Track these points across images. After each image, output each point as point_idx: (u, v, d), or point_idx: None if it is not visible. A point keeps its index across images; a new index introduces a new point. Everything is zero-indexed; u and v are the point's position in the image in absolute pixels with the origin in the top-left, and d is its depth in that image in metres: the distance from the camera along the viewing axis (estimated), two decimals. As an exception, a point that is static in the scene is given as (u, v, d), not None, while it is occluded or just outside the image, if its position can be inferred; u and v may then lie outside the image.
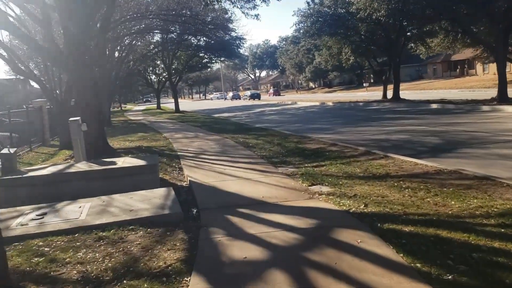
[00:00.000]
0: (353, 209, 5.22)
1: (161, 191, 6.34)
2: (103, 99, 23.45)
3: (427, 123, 14.35)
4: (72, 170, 7.26)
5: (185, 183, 7.75)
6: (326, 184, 6.74)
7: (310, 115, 23.16)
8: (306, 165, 8.41)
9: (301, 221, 4.83)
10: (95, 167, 7.31)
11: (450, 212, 4.85)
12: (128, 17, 17.80)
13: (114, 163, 7.63)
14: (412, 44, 28.22)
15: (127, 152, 10.91)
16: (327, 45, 29.32)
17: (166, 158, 10.04)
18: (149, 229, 4.87)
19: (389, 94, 29.66)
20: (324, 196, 5.99)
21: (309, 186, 6.75)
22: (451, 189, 5.79)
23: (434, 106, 20.62)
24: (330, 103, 31.02)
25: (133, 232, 4.82)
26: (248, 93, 69.36)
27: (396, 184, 6.31)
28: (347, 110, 24.59)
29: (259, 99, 62.33)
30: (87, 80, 10.00)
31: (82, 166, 7.53)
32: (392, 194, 5.76)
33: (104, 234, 4.77)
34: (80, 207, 5.78)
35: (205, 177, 7.78)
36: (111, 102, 26.43)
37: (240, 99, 71.10)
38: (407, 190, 5.91)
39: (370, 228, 4.48)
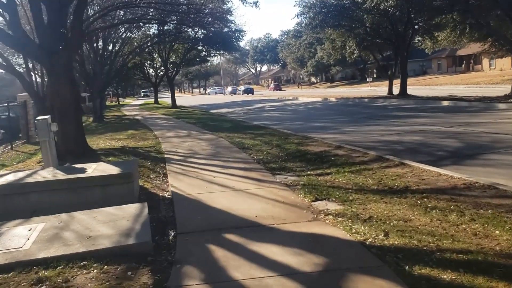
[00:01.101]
0: (370, 239, 4.10)
1: (132, 208, 5.22)
2: (94, 93, 22.35)
3: (441, 122, 13.18)
4: (32, 179, 6.13)
5: (167, 193, 6.63)
6: (333, 199, 5.63)
7: (312, 112, 21.98)
8: (309, 172, 7.28)
9: (303, 259, 3.71)
10: (60, 175, 6.18)
11: (497, 248, 3.72)
12: (119, 4, 16.58)
13: (84, 170, 6.50)
14: (419, 38, 26.94)
15: (108, 154, 9.79)
16: (330, 38, 28.05)
17: (150, 161, 8.91)
18: (106, 267, 3.77)
19: (395, 90, 28.47)
20: (331, 217, 4.87)
21: (313, 201, 5.63)
22: (489, 211, 4.66)
23: (445, 103, 19.41)
24: (333, 99, 29.80)
25: (85, 271, 3.71)
26: (242, 88, 71.30)
27: (419, 202, 5.18)
28: (351, 106, 23.38)
29: (252, 94, 63.86)
30: (62, 72, 8.84)
31: (46, 174, 6.40)
32: (416, 218, 4.63)
33: (46, 273, 3.67)
34: (30, 229, 4.68)
35: (191, 187, 6.67)
36: (104, 96, 25.22)
37: (235, 93, 70.73)
38: (434, 211, 4.78)
39: (395, 273, 3.35)
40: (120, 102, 59.55)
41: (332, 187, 6.19)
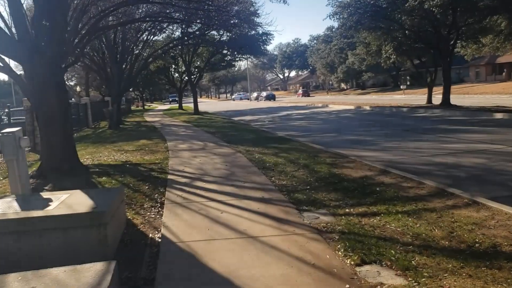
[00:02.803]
0: None
1: (90, 274, 3.53)
2: (112, 97, 21.15)
3: (502, 139, 11.00)
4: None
5: (158, 235, 4.95)
6: (388, 262, 3.81)
7: (344, 122, 19.95)
8: (348, 210, 5.46)
9: None
10: (11, 214, 4.58)
11: None
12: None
13: (48, 203, 4.89)
14: (463, 42, 24.52)
15: (101, 172, 8.21)
16: (365, 41, 25.96)
17: (149, 185, 7.27)
18: None
19: (435, 99, 26.09)
20: (391, 306, 3.04)
21: (358, 264, 3.85)
22: None
23: (498, 115, 17.00)
24: (367, 107, 27.58)
25: None
26: (264, 94, 72.12)
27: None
28: (389, 116, 21.19)
29: (274, 100, 64.33)
30: (47, 75, 7.34)
31: (-1, 207, 4.82)
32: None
33: None
34: None
35: (188, 228, 4.98)
36: (121, 101, 24.01)
37: (257, 100, 70.30)
38: None
39: None
40: (146, 107, 59.00)
41: (383, 240, 4.35)
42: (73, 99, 27.00)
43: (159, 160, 9.81)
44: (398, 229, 4.67)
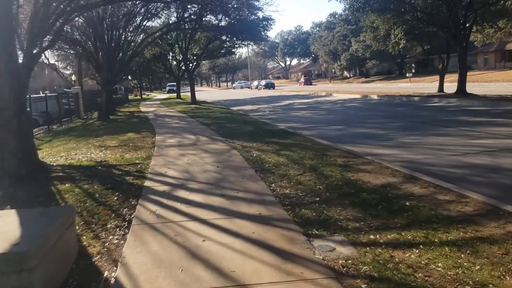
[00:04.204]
0: None
1: None
2: (101, 86, 19.70)
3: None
4: None
5: (114, 275, 3.58)
6: None
7: (352, 113, 18.42)
8: (372, 236, 4.10)
9: None
10: None
11: None
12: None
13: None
14: (479, 26, 22.84)
15: (65, 178, 6.80)
16: (373, 25, 24.30)
17: (119, 194, 5.87)
18: None
19: (446, 87, 24.55)
20: None
21: None
22: None
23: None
24: (375, 96, 26.01)
25: None
26: (263, 82, 71.28)
27: None
28: (399, 106, 19.62)
29: (273, 88, 63.15)
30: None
31: None
32: None
33: None
34: None
35: (155, 267, 3.61)
36: (110, 90, 22.49)
37: (253, 88, 69.39)
38: None
39: None
40: (145, 96, 57.48)
41: (433, 294, 2.95)
42: (71, 89, 25.57)
43: (140, 159, 8.40)
44: (449, 272, 3.28)
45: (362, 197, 5.30)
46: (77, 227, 4.77)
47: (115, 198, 5.72)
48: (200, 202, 5.36)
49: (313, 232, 4.28)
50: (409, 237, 4.04)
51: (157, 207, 5.23)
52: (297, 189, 5.79)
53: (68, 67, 50.30)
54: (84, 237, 4.51)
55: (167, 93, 63.81)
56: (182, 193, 5.80)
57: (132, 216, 5.02)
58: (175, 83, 64.57)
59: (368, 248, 3.83)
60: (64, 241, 3.84)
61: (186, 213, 4.97)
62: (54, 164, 8.45)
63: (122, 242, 4.33)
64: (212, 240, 4.13)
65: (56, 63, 40.41)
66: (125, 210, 5.27)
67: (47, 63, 29.84)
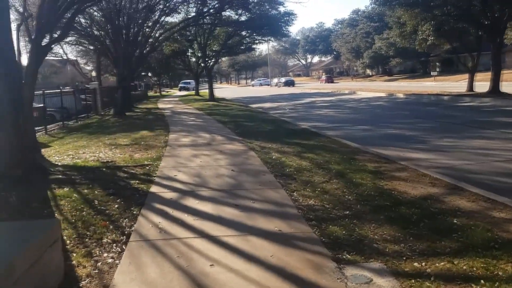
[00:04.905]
0: None
1: None
2: (118, 82, 19.25)
3: None
4: None
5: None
6: None
7: (378, 112, 17.41)
8: (417, 263, 3.38)
9: None
10: None
11: None
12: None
13: None
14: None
15: (66, 180, 6.18)
16: (400, 21, 23.16)
17: (121, 201, 5.20)
18: None
19: (477, 86, 23.24)
20: None
21: None
22: None
23: None
24: (401, 95, 24.83)
25: None
26: (283, 79, 69.48)
27: None
28: (429, 106, 18.46)
29: (293, 86, 61.62)
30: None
31: None
32: None
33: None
34: None
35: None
36: (127, 86, 22.02)
37: (272, 85, 68.11)
38: None
39: None
40: (164, 93, 57.28)
41: None
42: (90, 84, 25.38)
43: (150, 160, 7.74)
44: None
45: (400, 211, 4.50)
46: (69, 241, 4.13)
47: (116, 206, 5.04)
48: (210, 214, 4.64)
49: (345, 257, 3.51)
50: (464, 267, 3.23)
51: (160, 219, 4.53)
52: (323, 200, 5.01)
53: (88, 63, 50.56)
54: (75, 254, 3.84)
55: (179, 90, 62.13)
56: (190, 202, 5.09)
57: (132, 228, 4.34)
58: (188, 81, 63.50)
59: (413, 281, 3.06)
60: (44, 263, 3.17)
61: (193, 228, 4.25)
62: (59, 163, 7.88)
63: (117, 261, 3.66)
64: (221, 265, 3.40)
65: (75, 58, 40.54)
66: (125, 221, 4.59)
67: (67, 58, 29.61)
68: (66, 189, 5.69)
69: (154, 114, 19.95)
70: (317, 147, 8.48)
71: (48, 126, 14.49)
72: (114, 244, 4.04)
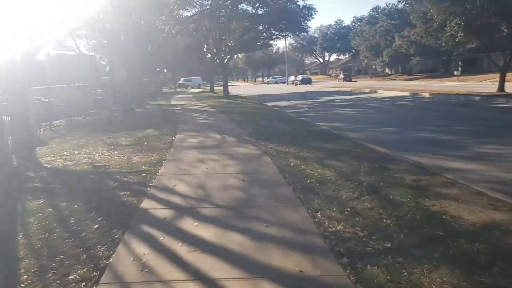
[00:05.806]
0: None
1: None
2: (134, 78, 18.44)
3: None
4: None
5: None
6: None
7: (404, 113, 16.13)
8: None
9: None
10: None
11: None
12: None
13: None
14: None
15: (45, 189, 5.23)
16: (426, 16, 21.73)
17: (103, 220, 4.22)
18: None
19: (508, 87, 21.72)
20: None
21: None
22: None
23: None
24: (426, 95, 23.38)
25: None
26: (300, 77, 67.78)
27: None
28: (459, 107, 17.05)
29: (310, 83, 60.33)
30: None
31: None
32: None
33: None
34: None
35: None
36: (139, 81, 21.17)
37: (289, 83, 66.72)
38: None
39: None
40: (179, 89, 56.47)
41: None
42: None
43: (149, 164, 6.75)
44: None
45: (459, 246, 3.40)
46: (26, 277, 3.16)
47: (95, 226, 4.06)
48: (212, 243, 3.61)
49: (395, 322, 2.44)
50: None
51: (146, 249, 3.52)
52: (355, 225, 3.94)
53: (103, 59, 50.06)
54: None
55: (178, 87, 57.25)
56: (188, 224, 4.07)
57: (110, 260, 3.35)
58: (190, 78, 60.92)
59: None
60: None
61: (187, 265, 3.23)
62: (48, 165, 6.99)
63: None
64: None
65: (88, 52, 39.90)
66: (102, 248, 3.61)
67: (79, 52, 28.91)
68: (41, 201, 4.74)
69: (165, 111, 19.04)
70: (341, 152, 7.38)
71: (55, 122, 13.81)
72: (83, 284, 3.06)
